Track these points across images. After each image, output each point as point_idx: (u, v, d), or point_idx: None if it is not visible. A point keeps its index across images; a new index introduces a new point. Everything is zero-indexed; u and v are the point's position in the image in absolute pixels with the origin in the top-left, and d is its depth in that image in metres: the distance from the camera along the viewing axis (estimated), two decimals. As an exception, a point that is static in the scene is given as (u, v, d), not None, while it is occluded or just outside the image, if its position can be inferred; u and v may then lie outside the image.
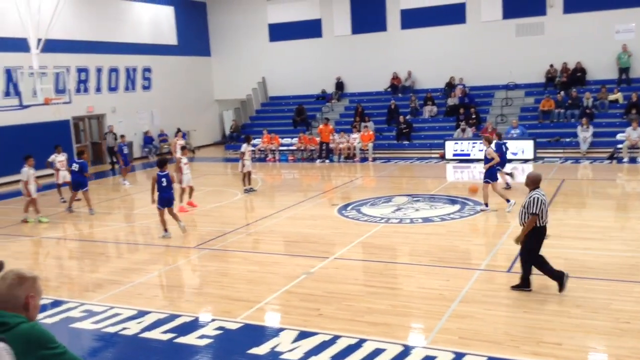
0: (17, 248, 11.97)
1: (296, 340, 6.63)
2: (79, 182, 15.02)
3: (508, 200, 12.74)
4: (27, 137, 20.90)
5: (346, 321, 7.12)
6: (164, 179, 11.93)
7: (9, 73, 20.95)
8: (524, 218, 7.67)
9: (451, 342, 6.39)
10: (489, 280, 8.49)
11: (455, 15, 25.87)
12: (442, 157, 21.84)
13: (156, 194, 12.02)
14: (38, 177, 14.73)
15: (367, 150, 22.93)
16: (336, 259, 9.86)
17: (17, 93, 20.21)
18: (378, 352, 6.22)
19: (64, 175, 16.13)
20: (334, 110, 27.82)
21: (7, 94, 21.09)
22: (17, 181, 20.19)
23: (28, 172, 14.08)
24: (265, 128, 25.62)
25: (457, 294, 7.79)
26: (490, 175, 12.89)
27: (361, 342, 6.48)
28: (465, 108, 23.88)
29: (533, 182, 7.79)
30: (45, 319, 7.67)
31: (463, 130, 22.50)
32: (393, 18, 27.22)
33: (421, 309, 7.50)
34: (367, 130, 23.78)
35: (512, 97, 24.58)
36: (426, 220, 12.30)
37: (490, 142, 13.25)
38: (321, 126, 23.70)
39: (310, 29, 28.85)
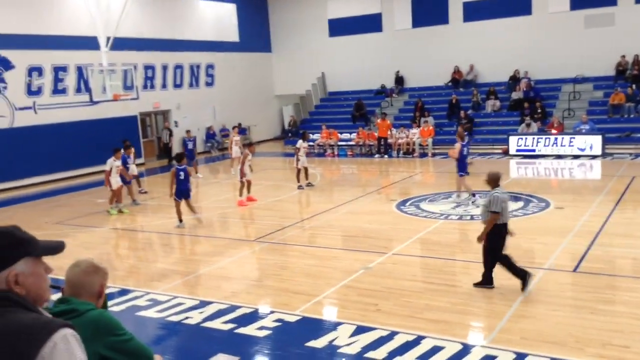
0: (87, 238, 12.52)
1: (353, 334, 6.65)
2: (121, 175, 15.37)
3: (473, 195, 13.27)
4: (97, 132, 21.80)
5: (404, 317, 7.08)
6: (182, 172, 12.62)
7: (80, 70, 21.88)
8: (485, 217, 7.70)
9: (512, 342, 6.25)
10: (553, 280, 8.24)
11: (520, 6, 25.14)
12: (506, 152, 21.30)
13: (174, 186, 12.68)
14: (102, 172, 15.29)
15: (427, 145, 22.64)
16: (394, 255, 9.81)
17: (88, 89, 21.15)
18: (436, 349, 6.15)
19: (132, 169, 16.68)
20: (393, 105, 27.60)
21: (78, 90, 22.04)
22: (87, 174, 21.18)
23: (113, 163, 14.62)
24: (324, 123, 25.70)
25: (520, 294, 7.60)
26: (462, 168, 13.46)
27: (419, 338, 6.43)
28: (530, 102, 23.19)
29: (493, 181, 7.86)
30: (112, 307, 7.98)
31: (528, 125, 21.86)
32: (455, 10, 26.72)
33: (482, 307, 7.37)
34: (427, 125, 23.48)
35: (580, 90, 23.66)
36: (487, 217, 12.02)
37: (462, 139, 13.73)
38: (379, 121, 23.57)
39: (370, 23, 28.71)
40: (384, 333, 6.62)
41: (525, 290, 7.57)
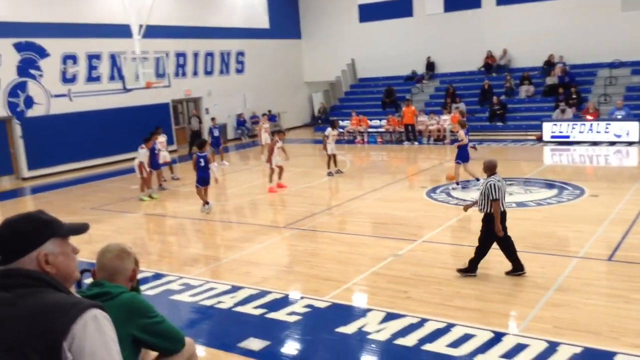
0: (122, 223, 12.77)
1: (383, 321, 6.66)
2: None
3: (477, 179, 13.19)
4: (130, 119, 22.14)
5: (435, 305, 7.06)
6: (202, 160, 12.69)
7: (113, 58, 22.19)
8: (484, 205, 7.69)
9: (545, 330, 6.18)
10: (587, 268, 8.10)
11: (555, -11, 24.53)
12: (539, 139, 20.93)
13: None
14: (132, 159, 15.60)
15: (458, 132, 22.34)
16: (425, 242, 9.77)
17: (121, 77, 21.43)
18: (467, 337, 6.12)
19: (164, 156, 16.90)
20: (423, 91, 27.32)
21: (111, 78, 22.37)
22: (121, 161, 21.54)
23: (146, 152, 14.87)
24: (354, 110, 25.59)
25: (553, 282, 7.50)
26: (462, 156, 13.76)
27: (450, 326, 6.40)
28: (565, 88, 22.68)
29: (489, 169, 7.87)
30: (147, 290, 8.14)
31: (562, 111, 21.41)
32: (488, -6, 26.22)
33: (514, 295, 7.29)
34: (457, 111, 23.17)
35: (616, 75, 23.03)
36: (520, 204, 11.87)
37: (463, 127, 14.19)
38: (404, 108, 23.38)
39: (400, 8, 28.38)
40: (414, 320, 6.61)
41: (511, 274, 7.76)
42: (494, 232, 7.62)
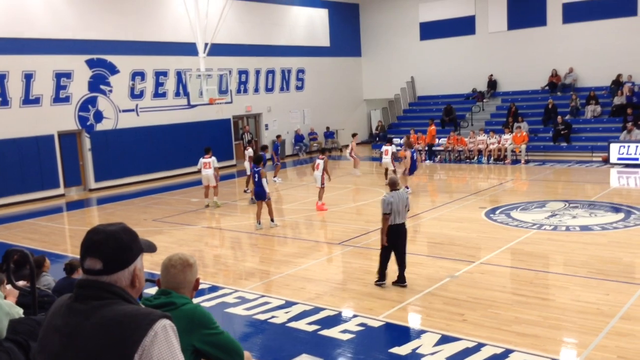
0: (181, 235, 13.11)
1: (438, 344, 6.54)
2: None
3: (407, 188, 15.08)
4: (192, 134, 22.79)
5: (492, 329, 6.88)
6: (256, 174, 13.06)
7: (179, 75, 22.96)
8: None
9: (609, 361, 5.92)
10: (656, 297, 7.71)
11: (624, 7, 23.70)
12: (606, 160, 20.16)
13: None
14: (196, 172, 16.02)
15: (520, 152, 21.85)
16: (482, 264, 9.55)
17: (186, 93, 22.14)
18: (525, 364, 5.93)
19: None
20: (484, 109, 26.87)
21: (177, 94, 23.13)
22: (183, 174, 22.14)
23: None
24: (412, 128, 25.43)
25: (618, 310, 7.18)
26: (411, 171, 16.12)
27: (507, 352, 6.22)
28: (634, 108, 21.80)
29: (391, 185, 8.76)
30: (203, 302, 8.31)
31: (630, 132, 20.58)
32: (554, 12, 25.60)
33: (575, 323, 7.02)
34: (520, 130, 22.65)
35: (691, 95, 21.98)
36: (584, 228, 11.45)
37: (411, 147, 16.35)
38: (430, 127, 23.90)
39: (463, 26, 28.12)
40: (470, 344, 6.46)
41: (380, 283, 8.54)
42: (395, 241, 8.42)
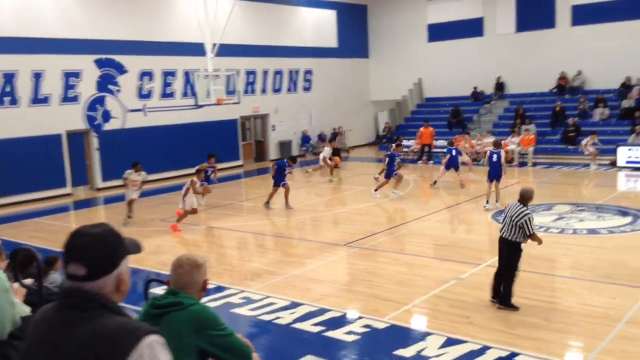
0: (188, 236, 13.14)
1: (443, 346, 6.53)
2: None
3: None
4: (200, 134, 22.84)
5: (497, 332, 6.86)
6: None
7: (187, 76, 23.02)
8: None
9: (614, 365, 5.89)
10: (663, 302, 7.67)
11: (633, 10, 23.57)
12: (613, 164, 20.06)
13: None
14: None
15: (527, 154, 21.77)
16: (488, 267, 9.51)
17: (193, 94, 22.18)
18: (530, 367, 5.91)
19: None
20: (492, 111, 26.79)
21: (184, 94, 23.19)
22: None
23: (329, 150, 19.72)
24: (420, 129, 25.37)
25: (625, 314, 7.14)
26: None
27: (512, 355, 6.20)
28: (643, 111, 21.68)
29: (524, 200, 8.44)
30: (208, 302, 8.32)
31: (638, 135, 20.46)
32: (563, 14, 25.51)
33: (581, 326, 6.99)
34: (527, 133, 22.57)
35: (701, 99, 21.82)
36: (592, 231, 11.40)
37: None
38: (422, 128, 23.89)
39: (471, 28, 28.05)
40: (475, 347, 6.45)
41: None
42: None
